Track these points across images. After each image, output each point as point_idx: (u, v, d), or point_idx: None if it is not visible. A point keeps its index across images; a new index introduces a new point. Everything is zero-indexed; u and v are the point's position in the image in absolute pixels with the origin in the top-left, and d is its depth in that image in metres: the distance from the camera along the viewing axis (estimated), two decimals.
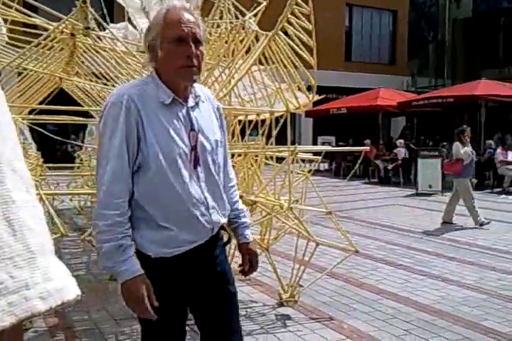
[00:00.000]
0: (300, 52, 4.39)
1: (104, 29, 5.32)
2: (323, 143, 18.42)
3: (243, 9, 5.14)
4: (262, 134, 4.77)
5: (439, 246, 7.00)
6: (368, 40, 25.95)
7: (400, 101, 17.52)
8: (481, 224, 8.31)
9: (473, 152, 9.01)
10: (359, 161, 6.66)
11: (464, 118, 22.45)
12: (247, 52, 4.59)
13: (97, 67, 5.68)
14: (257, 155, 4.78)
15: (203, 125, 1.98)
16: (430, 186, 12.78)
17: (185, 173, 1.91)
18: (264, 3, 5.13)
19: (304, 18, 4.31)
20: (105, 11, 5.85)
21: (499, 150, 13.55)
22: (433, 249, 6.83)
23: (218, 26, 5.26)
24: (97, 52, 5.10)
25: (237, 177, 4.54)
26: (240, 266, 2.22)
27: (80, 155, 8.91)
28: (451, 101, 15.71)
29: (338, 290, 5.02)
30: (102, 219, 1.84)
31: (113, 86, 5.72)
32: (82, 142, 10.60)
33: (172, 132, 1.89)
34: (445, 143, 15.75)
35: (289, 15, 4.31)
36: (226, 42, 4.65)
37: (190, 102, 1.97)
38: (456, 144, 8.76)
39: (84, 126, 10.60)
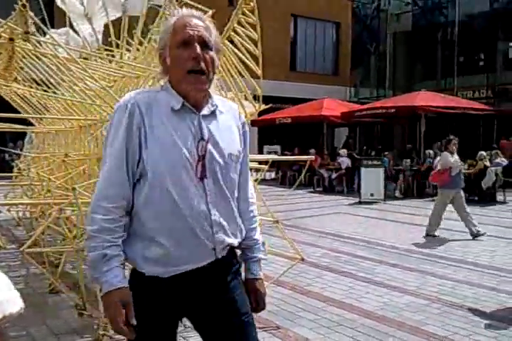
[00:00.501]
0: (246, 61, 4.41)
1: (45, 34, 5.19)
2: (269, 152, 18.56)
3: None
4: None
5: (382, 253, 7.15)
6: (312, 50, 26.41)
7: (344, 111, 17.89)
8: (476, 236, 8.16)
9: (462, 162, 8.70)
10: (304, 170, 6.74)
11: (405, 129, 23.19)
12: None
13: (38, 73, 5.52)
14: None
15: (217, 136, 1.83)
16: (372, 195, 13.07)
17: (187, 184, 1.77)
18: (210, 12, 5.13)
19: (250, 28, 4.34)
20: (45, 15, 5.72)
21: (438, 159, 14.01)
22: (376, 256, 6.97)
23: None
24: (37, 57, 4.96)
25: None
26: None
27: (19, 164, 8.60)
28: (393, 112, 16.18)
29: (284, 298, 5.03)
30: (91, 224, 1.76)
31: (54, 93, 5.57)
32: (21, 150, 10.24)
33: (177, 139, 1.76)
34: (386, 153, 16.17)
35: (236, 25, 4.32)
36: None
37: (205, 111, 1.84)
38: (445, 154, 8.55)
39: (23, 134, 10.25)
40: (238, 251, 2.00)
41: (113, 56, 5.95)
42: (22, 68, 5.62)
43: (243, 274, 2.01)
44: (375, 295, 5.21)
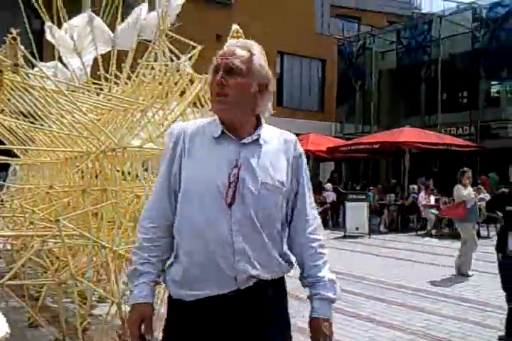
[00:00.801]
0: None
1: (33, 67, 5.24)
2: None
3: (177, 52, 5.22)
4: None
5: (368, 288, 7.10)
6: (298, 87, 26.82)
7: (329, 146, 18.07)
8: (463, 274, 7.98)
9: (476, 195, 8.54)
10: None
11: (389, 164, 23.41)
12: (181, 94, 4.64)
13: (25, 105, 5.54)
14: None
15: (254, 164, 1.84)
16: (357, 229, 13.09)
17: (214, 208, 1.78)
18: (199, 48, 5.24)
19: None
20: (35, 48, 5.78)
21: (422, 194, 14.13)
22: (362, 291, 6.92)
23: (153, 68, 5.30)
24: (25, 90, 4.99)
25: None
26: None
27: (1, 195, 8.50)
28: (377, 148, 16.37)
29: None
30: (136, 241, 1.92)
31: (41, 125, 5.58)
32: (4, 181, 10.14)
33: (211, 165, 1.82)
34: (371, 188, 16.28)
35: None
36: (160, 84, 4.68)
37: (246, 140, 1.87)
38: (458, 187, 8.39)
39: (7, 166, 10.16)
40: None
41: (101, 89, 6.00)
42: (9, 100, 5.64)
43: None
44: (361, 330, 5.15)
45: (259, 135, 1.89)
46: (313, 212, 1.98)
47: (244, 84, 1.84)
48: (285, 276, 1.97)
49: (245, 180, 1.81)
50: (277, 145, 1.93)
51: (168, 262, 1.89)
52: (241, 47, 1.88)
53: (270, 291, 1.87)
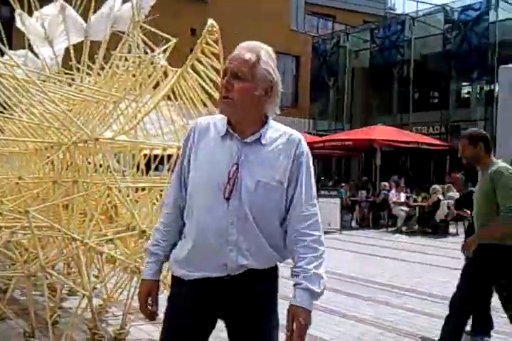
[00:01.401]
0: (209, 90, 4.45)
1: (2, 55, 5.13)
2: None
3: (152, 45, 5.16)
4: (168, 169, 4.73)
5: (338, 283, 7.16)
6: None
7: None
8: None
9: None
10: None
11: (361, 161, 23.65)
12: (155, 87, 4.59)
13: None
14: (162, 190, 4.72)
15: (254, 163, 1.97)
16: (329, 224, 13.18)
17: (213, 201, 1.95)
18: (174, 40, 5.19)
19: (213, 58, 4.40)
20: (3, 36, 5.65)
21: (393, 191, 14.31)
22: (332, 285, 6.97)
23: (126, 60, 5.23)
24: None
25: (141, 213, 4.46)
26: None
27: None
28: (350, 145, 16.51)
29: None
30: (158, 222, 2.19)
31: (11, 114, 5.47)
32: None
33: (213, 161, 1.98)
34: (343, 184, 16.42)
35: (199, 54, 4.38)
36: (134, 75, 4.62)
37: (248, 139, 1.99)
38: None
39: None
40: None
41: (73, 79, 5.90)
42: None
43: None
44: (331, 324, 5.20)
45: (262, 134, 2.00)
46: (310, 209, 2.03)
47: (248, 88, 1.95)
48: (278, 274, 2.18)
49: (243, 177, 1.94)
50: (280, 145, 2.02)
51: (177, 245, 2.10)
52: (249, 50, 1.99)
53: (261, 281, 2.04)
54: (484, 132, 4.33)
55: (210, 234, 1.95)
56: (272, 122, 2.06)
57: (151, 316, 2.13)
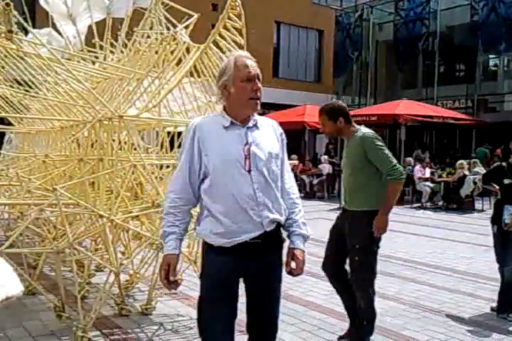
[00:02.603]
0: None
1: (27, 34, 5.14)
2: None
3: (174, 21, 5.12)
4: None
5: None
6: (295, 57, 26.50)
7: None
8: None
9: None
10: None
11: (386, 136, 23.40)
12: (177, 63, 4.57)
13: (20, 73, 5.46)
14: None
15: (259, 140, 2.49)
16: None
17: (237, 175, 2.42)
18: (196, 16, 5.15)
19: (235, 33, 4.35)
20: (28, 15, 5.66)
21: (417, 167, 14.16)
22: None
23: (148, 37, 5.21)
24: (19, 57, 4.91)
25: (166, 190, 4.49)
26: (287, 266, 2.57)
27: None
28: (374, 120, 16.30)
29: None
30: (164, 209, 2.55)
31: (36, 93, 5.51)
32: None
33: (228, 145, 2.45)
34: None
35: (222, 29, 4.33)
36: (156, 52, 4.61)
37: (249, 124, 2.52)
38: None
39: (1, 134, 10.09)
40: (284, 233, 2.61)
41: (96, 57, 5.91)
42: (3, 67, 5.56)
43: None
44: None
45: (256, 120, 2.55)
46: (290, 175, 2.67)
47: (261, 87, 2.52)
48: None
49: (256, 152, 2.46)
50: (267, 128, 2.60)
51: (202, 220, 2.49)
52: (250, 58, 2.53)
53: (281, 232, 2.57)
54: (342, 104, 4.14)
55: (242, 201, 2.40)
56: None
57: (173, 285, 2.45)
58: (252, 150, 2.45)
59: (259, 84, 2.49)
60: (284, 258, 2.60)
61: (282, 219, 2.52)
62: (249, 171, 2.43)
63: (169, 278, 2.40)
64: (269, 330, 2.70)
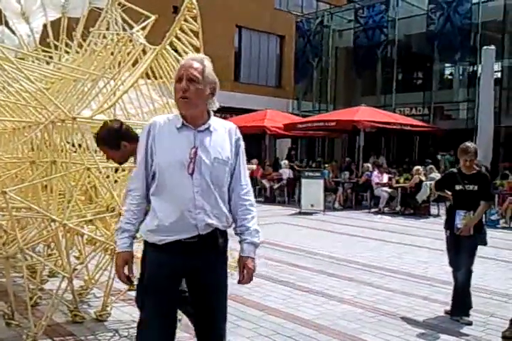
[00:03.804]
0: None
1: None
2: None
3: (131, 22, 5.04)
4: None
5: (321, 263, 7.21)
6: (256, 62, 26.58)
7: (286, 123, 18.07)
8: None
9: None
10: None
11: (345, 142, 23.69)
12: (133, 65, 4.49)
13: None
14: None
15: (207, 145, 2.53)
16: (312, 205, 13.23)
17: (180, 176, 2.47)
18: (153, 18, 5.08)
19: (192, 35, 4.30)
20: None
21: (376, 172, 14.36)
22: (314, 266, 7.02)
23: (105, 37, 5.11)
24: None
25: (121, 193, 4.39)
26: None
27: None
28: (333, 125, 16.47)
29: None
30: (125, 206, 2.63)
31: None
32: None
33: (175, 147, 2.50)
34: (326, 165, 16.45)
35: (178, 31, 4.28)
36: (112, 53, 4.52)
37: (200, 128, 2.55)
38: None
39: None
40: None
41: (51, 57, 5.76)
42: None
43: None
44: (312, 304, 5.23)
45: (210, 124, 2.58)
46: (246, 180, 2.67)
47: (200, 89, 2.51)
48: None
49: (201, 156, 2.49)
50: (223, 132, 2.61)
51: (148, 216, 2.56)
52: (196, 60, 2.54)
53: (221, 239, 2.58)
54: (116, 126, 3.66)
55: (181, 203, 2.47)
56: (212, 115, 2.62)
57: (129, 281, 2.58)
58: (198, 153, 2.49)
59: (186, 84, 2.47)
60: (235, 264, 2.70)
61: (221, 225, 2.55)
62: (191, 174, 2.47)
63: (129, 276, 2.52)
64: (214, 334, 2.68)
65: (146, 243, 2.59)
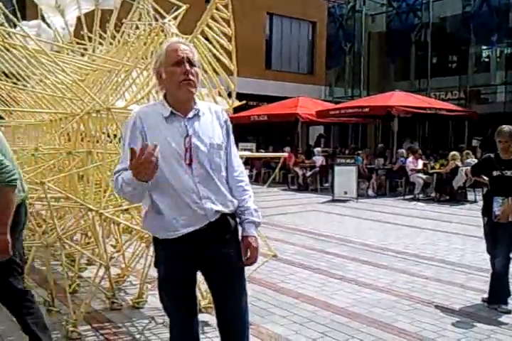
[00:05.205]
0: (220, 57, 4.37)
1: (15, 26, 5.08)
2: (243, 150, 18.52)
3: (163, 12, 5.07)
4: None
5: (354, 251, 7.19)
6: (287, 49, 26.38)
7: (318, 110, 17.94)
8: None
9: None
10: (278, 167, 6.73)
11: (378, 128, 23.41)
12: None
13: (7, 65, 5.39)
14: None
15: (200, 132, 2.46)
16: (346, 193, 13.15)
17: (178, 168, 2.40)
18: (184, 7, 5.09)
19: (224, 23, 4.30)
20: (16, 7, 5.60)
21: (410, 158, 14.17)
22: (348, 253, 7.01)
23: (137, 28, 5.16)
24: (6, 49, 4.84)
25: None
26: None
27: None
28: (366, 112, 16.28)
29: (256, 295, 5.01)
30: (116, 189, 2.44)
31: (24, 86, 5.45)
32: None
33: (168, 138, 2.41)
34: (360, 152, 16.30)
35: (209, 20, 4.28)
36: (145, 44, 4.55)
37: (190, 114, 2.48)
38: None
39: None
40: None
41: (85, 49, 5.85)
42: None
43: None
44: (346, 292, 5.23)
45: (198, 109, 2.51)
46: (238, 161, 2.65)
47: (198, 72, 2.49)
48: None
49: (197, 145, 2.43)
50: (210, 115, 2.56)
51: (148, 214, 2.49)
52: (184, 43, 2.50)
53: (231, 220, 2.55)
54: None
55: (184, 195, 2.41)
56: (196, 98, 2.54)
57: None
58: (193, 142, 2.43)
59: (189, 67, 2.41)
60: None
61: (227, 210, 2.51)
62: (189, 164, 2.41)
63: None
64: (236, 327, 2.63)
65: (156, 240, 2.54)
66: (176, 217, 2.41)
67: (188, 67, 2.41)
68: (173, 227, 2.42)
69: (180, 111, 2.47)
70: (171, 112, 2.45)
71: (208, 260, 2.50)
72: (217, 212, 2.46)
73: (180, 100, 2.47)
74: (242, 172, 2.64)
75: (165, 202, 2.41)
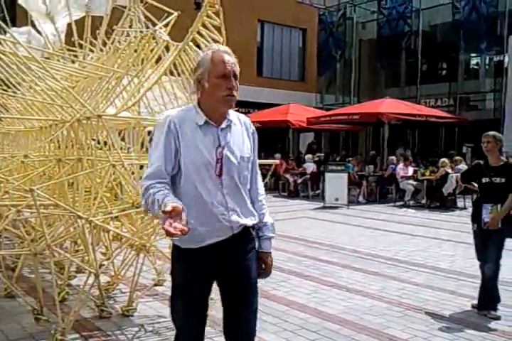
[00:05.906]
0: None
1: (5, 33, 5.06)
2: None
3: (154, 19, 5.07)
4: None
5: (345, 257, 7.19)
6: (278, 56, 26.48)
7: (309, 116, 17.99)
8: None
9: None
10: (269, 174, 6.72)
11: (369, 135, 23.49)
12: (157, 62, 4.52)
13: None
14: None
15: (231, 143, 2.45)
16: (337, 199, 13.18)
17: (208, 179, 2.39)
18: (176, 14, 5.09)
19: (215, 31, 4.31)
20: (6, 14, 5.58)
21: (400, 165, 14.22)
22: (339, 260, 7.01)
23: (128, 35, 5.15)
24: None
25: None
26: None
27: None
28: (357, 119, 16.35)
29: None
30: (141, 194, 2.39)
31: (14, 92, 5.43)
32: None
33: (200, 146, 2.39)
34: (350, 159, 16.34)
35: (200, 27, 4.29)
36: (135, 51, 4.55)
37: (223, 125, 2.46)
38: None
39: None
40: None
41: (76, 56, 5.84)
42: None
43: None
44: (338, 299, 5.23)
45: (231, 120, 2.49)
46: (259, 174, 2.65)
47: (238, 85, 2.45)
48: None
49: (228, 156, 2.42)
50: (240, 126, 2.55)
51: None
52: (229, 53, 2.46)
53: (251, 232, 2.55)
54: None
55: (212, 206, 2.39)
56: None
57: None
58: (225, 153, 2.41)
59: (234, 83, 2.41)
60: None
61: (251, 223, 2.52)
62: (219, 175, 2.39)
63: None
64: (245, 330, 2.65)
65: (176, 249, 2.49)
66: (203, 227, 2.38)
67: (234, 84, 2.41)
68: (199, 237, 2.38)
69: (214, 120, 2.45)
70: (205, 121, 2.43)
71: (227, 270, 2.49)
72: (241, 225, 2.47)
73: (217, 112, 2.45)
74: (262, 186, 2.67)
75: (192, 211, 2.32)
